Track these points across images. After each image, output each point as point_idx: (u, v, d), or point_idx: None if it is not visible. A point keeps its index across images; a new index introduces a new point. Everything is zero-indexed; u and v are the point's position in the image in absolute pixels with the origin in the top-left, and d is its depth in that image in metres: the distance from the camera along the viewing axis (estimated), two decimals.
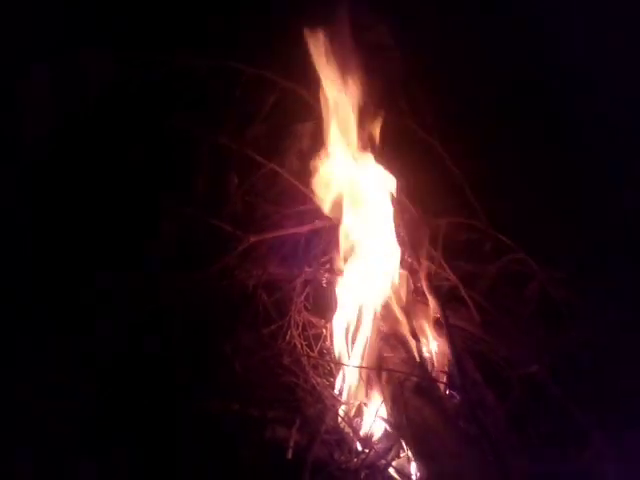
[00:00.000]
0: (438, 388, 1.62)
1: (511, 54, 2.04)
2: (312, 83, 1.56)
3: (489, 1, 2.08)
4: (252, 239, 1.77)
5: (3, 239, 1.68)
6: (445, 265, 1.83)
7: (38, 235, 1.75)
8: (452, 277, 1.81)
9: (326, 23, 1.56)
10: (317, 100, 1.54)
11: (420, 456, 1.49)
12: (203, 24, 1.81)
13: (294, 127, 1.83)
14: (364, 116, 1.58)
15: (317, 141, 1.80)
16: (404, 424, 1.51)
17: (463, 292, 1.77)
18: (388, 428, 1.61)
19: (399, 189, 1.71)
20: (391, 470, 1.54)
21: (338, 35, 1.55)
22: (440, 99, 1.99)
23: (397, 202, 1.69)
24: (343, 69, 1.56)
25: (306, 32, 1.55)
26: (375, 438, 1.63)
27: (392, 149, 1.72)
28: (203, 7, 1.79)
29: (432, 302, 1.64)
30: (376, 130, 1.66)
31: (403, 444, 1.57)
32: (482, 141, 1.99)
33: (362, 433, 1.64)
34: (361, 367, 1.64)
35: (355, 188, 1.68)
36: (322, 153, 1.58)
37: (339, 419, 1.66)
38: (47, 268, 1.76)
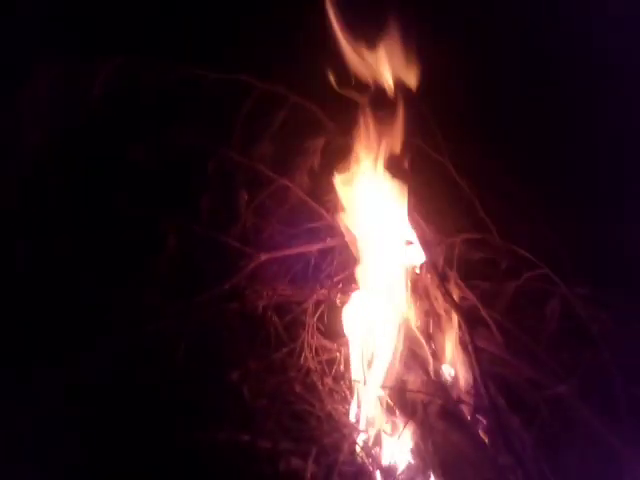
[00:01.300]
0: (464, 412, 1.54)
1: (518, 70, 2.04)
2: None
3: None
4: (263, 257, 1.70)
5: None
6: (462, 284, 1.78)
7: (35, 244, 1.67)
8: (470, 296, 1.75)
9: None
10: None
11: None
12: (215, 35, 1.79)
13: (305, 143, 1.79)
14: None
15: (328, 158, 1.78)
16: (430, 451, 1.43)
17: (483, 311, 1.71)
18: (412, 456, 1.53)
19: (413, 208, 1.68)
20: None
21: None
22: (449, 116, 1.97)
23: (414, 220, 1.65)
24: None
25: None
26: (397, 468, 1.55)
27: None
28: (216, 19, 1.78)
29: (455, 322, 1.58)
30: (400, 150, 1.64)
31: (428, 474, 1.48)
32: (494, 156, 1.97)
33: (383, 463, 1.56)
34: (382, 388, 1.55)
35: (372, 205, 1.64)
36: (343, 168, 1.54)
37: (357, 448, 1.58)
38: (44, 281, 1.68)
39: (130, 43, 1.73)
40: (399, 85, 1.58)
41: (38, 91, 1.56)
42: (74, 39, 1.69)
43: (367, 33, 1.50)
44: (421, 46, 1.54)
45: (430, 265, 1.68)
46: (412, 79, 1.56)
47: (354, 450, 1.56)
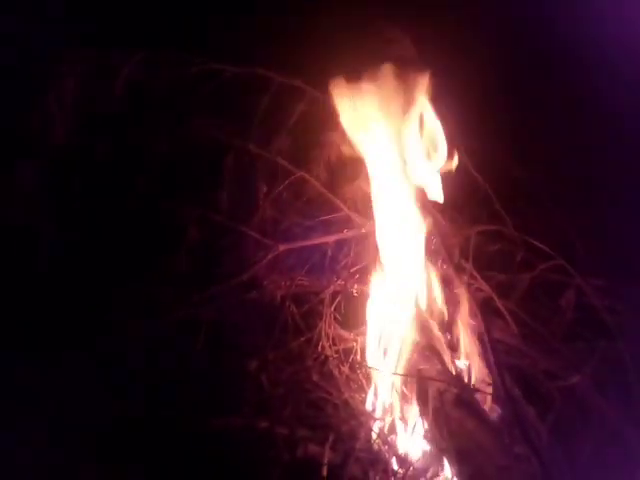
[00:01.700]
0: (479, 401, 1.56)
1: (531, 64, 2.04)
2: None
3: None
4: (281, 248, 1.73)
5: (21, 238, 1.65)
6: (477, 276, 1.79)
7: (58, 237, 1.71)
8: (486, 288, 1.76)
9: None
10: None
11: (463, 472, 1.42)
12: (234, 29, 1.81)
13: (322, 136, 1.81)
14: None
15: (344, 150, 1.80)
16: (445, 438, 1.45)
17: (498, 302, 1.72)
18: (427, 444, 1.55)
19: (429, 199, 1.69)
20: None
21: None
22: (461, 106, 1.97)
23: (430, 212, 1.66)
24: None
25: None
26: (412, 455, 1.57)
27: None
28: (236, 13, 1.80)
29: (472, 312, 1.59)
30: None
31: (443, 461, 1.51)
32: (507, 149, 1.97)
33: (398, 450, 1.58)
34: (398, 375, 1.57)
35: (388, 197, 1.65)
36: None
37: (374, 436, 1.60)
38: (65, 274, 1.72)
39: (151, 38, 1.76)
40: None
41: (63, 87, 1.60)
42: (95, 35, 1.73)
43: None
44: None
45: (446, 256, 1.70)
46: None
47: (370, 437, 1.59)
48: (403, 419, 1.62)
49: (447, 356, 1.65)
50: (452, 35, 1.98)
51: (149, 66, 1.64)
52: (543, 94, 2.09)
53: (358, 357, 1.77)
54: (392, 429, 1.63)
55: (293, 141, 1.82)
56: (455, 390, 1.48)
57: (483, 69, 2.08)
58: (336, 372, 1.72)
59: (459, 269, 1.76)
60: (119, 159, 1.77)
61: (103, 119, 1.67)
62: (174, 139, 1.73)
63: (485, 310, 1.70)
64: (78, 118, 1.63)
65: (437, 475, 1.53)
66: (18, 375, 1.61)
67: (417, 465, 1.54)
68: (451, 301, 1.75)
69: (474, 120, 2.05)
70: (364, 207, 1.70)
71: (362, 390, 1.72)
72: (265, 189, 1.78)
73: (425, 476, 1.52)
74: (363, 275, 1.78)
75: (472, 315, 1.61)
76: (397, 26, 1.67)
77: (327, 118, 1.78)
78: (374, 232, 1.64)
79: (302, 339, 1.80)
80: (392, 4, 1.63)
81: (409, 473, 1.51)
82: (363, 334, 1.74)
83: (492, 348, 1.50)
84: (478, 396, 1.58)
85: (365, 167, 1.69)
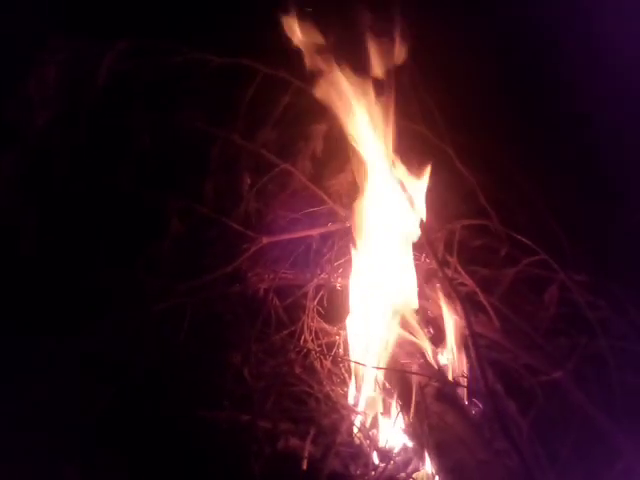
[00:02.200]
0: (460, 395, 1.56)
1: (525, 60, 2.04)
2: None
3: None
4: (265, 240, 1.72)
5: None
6: (461, 270, 1.79)
7: (39, 227, 1.70)
8: (469, 282, 1.76)
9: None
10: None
11: (443, 466, 1.42)
12: (219, 19, 1.79)
13: (307, 129, 1.80)
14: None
15: (329, 143, 1.79)
16: (426, 432, 1.45)
17: (481, 297, 1.72)
18: (408, 438, 1.55)
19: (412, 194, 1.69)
20: None
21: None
22: (449, 101, 1.97)
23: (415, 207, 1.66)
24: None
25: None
26: (393, 450, 1.57)
27: (404, 154, 1.70)
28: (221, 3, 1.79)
29: (454, 307, 1.59)
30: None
31: (424, 455, 1.51)
32: (494, 144, 1.97)
33: (379, 445, 1.58)
34: (380, 369, 1.57)
35: (373, 191, 1.65)
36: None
37: (355, 430, 1.60)
38: (47, 265, 1.70)
39: (135, 26, 1.74)
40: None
41: (45, 75, 1.58)
42: (79, 22, 1.71)
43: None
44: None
45: (430, 250, 1.70)
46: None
47: (352, 431, 1.59)
48: (385, 413, 1.63)
49: (429, 350, 1.66)
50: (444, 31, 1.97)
51: (133, 55, 1.62)
52: (533, 92, 2.10)
53: (340, 351, 1.78)
54: (374, 423, 1.64)
55: (279, 133, 1.81)
56: (436, 384, 1.49)
57: (473, 64, 2.09)
58: (318, 366, 1.72)
59: (443, 263, 1.76)
60: (103, 149, 1.76)
61: (86, 107, 1.65)
62: (159, 129, 1.72)
63: (468, 304, 1.71)
64: (60, 106, 1.61)
65: (418, 469, 1.54)
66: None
67: (398, 459, 1.55)
68: (433, 295, 1.77)
69: (461, 114, 2.06)
70: (349, 200, 1.69)
71: (344, 384, 1.72)
72: (249, 181, 1.78)
73: (406, 470, 1.53)
74: (347, 269, 1.78)
75: (454, 309, 1.62)
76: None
77: (313, 110, 1.79)
78: (355, 224, 1.63)
79: (285, 332, 1.79)
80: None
81: (390, 467, 1.52)
82: (346, 328, 1.74)
83: (474, 342, 1.50)
84: (460, 390, 1.59)
85: (350, 159, 1.69)
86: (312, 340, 1.75)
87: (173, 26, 1.79)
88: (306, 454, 1.54)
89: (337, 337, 1.79)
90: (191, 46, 1.69)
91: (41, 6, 1.80)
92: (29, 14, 1.78)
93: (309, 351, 1.73)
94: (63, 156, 1.65)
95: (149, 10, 1.81)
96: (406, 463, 1.54)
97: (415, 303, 1.71)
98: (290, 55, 1.61)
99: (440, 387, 1.49)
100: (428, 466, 1.48)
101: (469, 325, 1.52)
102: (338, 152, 1.70)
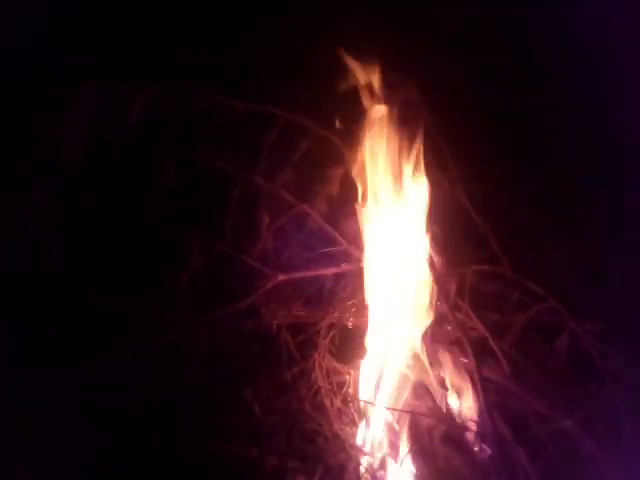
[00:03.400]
0: (468, 439, 1.56)
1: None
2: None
3: None
4: (280, 277, 1.77)
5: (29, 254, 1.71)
6: (472, 315, 1.81)
7: (65, 256, 1.77)
8: (480, 327, 1.78)
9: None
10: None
11: None
12: (245, 67, 1.90)
13: (325, 172, 1.87)
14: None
15: (346, 186, 1.85)
16: (432, 475, 1.46)
17: (492, 343, 1.73)
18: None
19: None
20: None
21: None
22: (461, 148, 2.02)
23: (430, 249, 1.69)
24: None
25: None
26: None
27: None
28: (250, 49, 1.89)
29: (464, 352, 1.60)
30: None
31: None
32: (508, 188, 2.01)
33: None
34: (389, 409, 1.58)
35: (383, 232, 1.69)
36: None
37: (362, 470, 1.60)
38: (68, 295, 1.77)
39: (167, 70, 1.86)
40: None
41: (80, 113, 1.69)
42: (114, 65, 1.83)
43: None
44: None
45: (441, 294, 1.72)
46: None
47: (359, 472, 1.59)
48: (393, 454, 1.62)
49: (439, 393, 1.67)
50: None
51: (162, 97, 1.72)
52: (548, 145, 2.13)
53: (351, 390, 1.79)
54: (381, 464, 1.64)
55: (297, 175, 1.88)
56: (444, 427, 1.49)
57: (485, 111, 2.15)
58: (328, 404, 1.73)
59: (454, 308, 1.78)
60: (128, 185, 1.84)
61: (115, 147, 1.75)
62: (182, 168, 1.81)
63: (478, 349, 1.72)
64: (91, 145, 1.70)
65: None
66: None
67: None
68: (444, 339, 1.78)
69: (473, 160, 2.10)
70: (363, 242, 1.73)
71: (353, 424, 1.73)
72: (268, 220, 1.84)
73: None
74: (359, 309, 1.81)
75: (464, 354, 1.63)
76: (400, 70, 1.74)
77: (330, 155, 1.86)
78: (366, 268, 1.67)
79: (296, 369, 1.81)
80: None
81: None
82: (357, 368, 1.75)
83: (482, 387, 1.51)
84: (468, 435, 1.59)
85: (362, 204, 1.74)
86: (323, 378, 1.76)
87: (201, 70, 1.89)
88: None
89: (347, 376, 1.80)
90: (217, 90, 1.79)
91: (74, 46, 1.92)
92: (61, 56, 1.90)
93: (319, 389, 1.74)
94: (91, 191, 1.74)
95: (179, 54, 1.92)
96: None
97: (426, 345, 1.73)
98: (311, 103, 1.69)
99: (448, 430, 1.50)
100: None
101: (478, 370, 1.54)
102: (354, 195, 1.76)
